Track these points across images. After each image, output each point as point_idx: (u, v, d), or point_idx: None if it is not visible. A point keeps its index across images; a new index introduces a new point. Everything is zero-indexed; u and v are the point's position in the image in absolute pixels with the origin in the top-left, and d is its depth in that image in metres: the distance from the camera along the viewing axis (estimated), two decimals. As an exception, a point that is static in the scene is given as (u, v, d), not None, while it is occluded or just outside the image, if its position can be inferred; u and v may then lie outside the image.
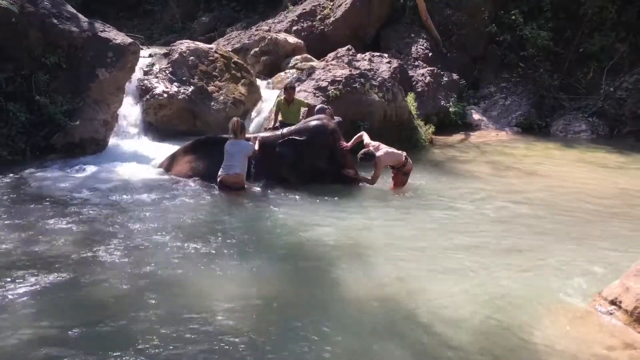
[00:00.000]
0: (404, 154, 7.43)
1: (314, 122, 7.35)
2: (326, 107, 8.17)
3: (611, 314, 3.89)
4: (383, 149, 7.32)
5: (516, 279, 4.60)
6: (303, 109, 8.73)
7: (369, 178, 7.28)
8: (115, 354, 3.30)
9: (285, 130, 7.45)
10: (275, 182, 7.07)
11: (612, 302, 3.93)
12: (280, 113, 8.73)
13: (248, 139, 7.12)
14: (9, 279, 4.15)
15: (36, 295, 3.96)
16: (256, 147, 7.04)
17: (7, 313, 3.71)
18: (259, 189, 6.96)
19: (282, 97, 8.76)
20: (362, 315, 3.95)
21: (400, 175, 7.43)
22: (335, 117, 7.85)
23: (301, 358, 3.38)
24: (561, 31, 14.52)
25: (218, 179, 6.77)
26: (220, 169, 6.79)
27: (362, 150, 7.25)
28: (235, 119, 7.26)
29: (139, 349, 3.36)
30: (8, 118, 7.78)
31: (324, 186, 7.03)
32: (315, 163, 7.16)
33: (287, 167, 7.11)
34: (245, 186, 6.84)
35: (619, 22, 14.23)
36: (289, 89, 8.59)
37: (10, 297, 3.91)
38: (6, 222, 5.42)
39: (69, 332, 3.51)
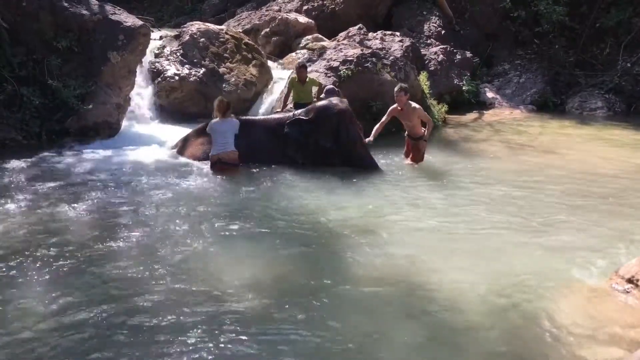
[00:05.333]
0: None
1: (320, 103, 7.41)
2: (336, 89, 8.16)
3: (628, 292, 3.87)
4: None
5: (532, 259, 4.58)
6: (315, 88, 8.69)
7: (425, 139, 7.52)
8: (129, 332, 3.36)
9: (297, 111, 7.47)
10: (285, 163, 7.07)
11: (629, 281, 3.90)
12: (292, 92, 8.68)
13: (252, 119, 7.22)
14: (25, 262, 4.21)
15: (52, 277, 4.02)
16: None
17: (24, 294, 3.77)
18: (269, 170, 6.96)
19: (295, 76, 8.70)
20: (376, 295, 3.96)
21: (420, 148, 7.52)
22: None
23: (316, 339, 3.40)
24: (577, 6, 14.20)
25: (213, 158, 6.84)
26: (214, 148, 6.87)
27: None
28: (220, 97, 7.32)
29: (150, 327, 3.42)
30: (22, 102, 7.84)
31: (334, 168, 7.02)
32: (320, 143, 7.16)
33: (293, 146, 7.14)
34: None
35: (637, -4, 13.91)
36: (301, 68, 8.53)
37: (26, 278, 3.97)
38: (22, 205, 5.49)
39: (84, 313, 3.56)
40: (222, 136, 6.87)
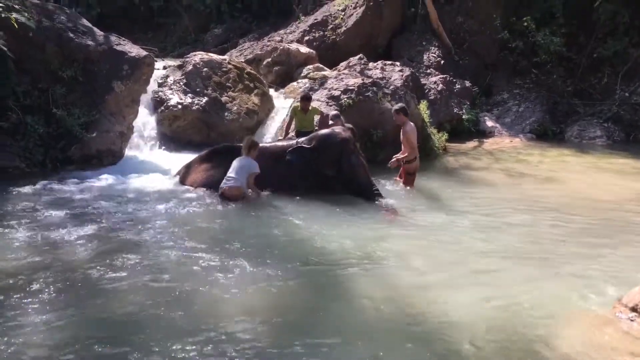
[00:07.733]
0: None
1: (323, 131, 7.46)
2: (339, 115, 8.26)
3: (632, 320, 3.85)
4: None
5: (534, 287, 4.56)
6: (317, 117, 8.78)
7: (403, 156, 7.67)
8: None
9: (301, 139, 7.53)
10: (287, 190, 7.09)
11: (633, 309, 3.89)
12: (295, 120, 8.76)
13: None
14: (25, 291, 4.19)
15: (52, 307, 3.99)
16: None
17: (23, 325, 3.74)
18: (271, 198, 6.98)
19: (298, 104, 8.77)
20: (376, 324, 3.93)
21: (404, 174, 7.74)
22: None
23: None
24: (574, 37, 14.47)
25: (220, 189, 6.91)
26: (223, 181, 6.93)
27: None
28: (249, 137, 7.39)
29: (150, 355, 3.39)
30: (26, 131, 7.89)
31: (335, 195, 7.03)
32: (323, 171, 7.19)
33: (295, 175, 7.16)
34: (244, 197, 6.89)
35: (632, 27, 14.16)
36: (305, 100, 8.58)
37: (26, 308, 3.95)
38: (24, 233, 5.48)
39: (84, 344, 3.53)
40: (233, 171, 6.93)
